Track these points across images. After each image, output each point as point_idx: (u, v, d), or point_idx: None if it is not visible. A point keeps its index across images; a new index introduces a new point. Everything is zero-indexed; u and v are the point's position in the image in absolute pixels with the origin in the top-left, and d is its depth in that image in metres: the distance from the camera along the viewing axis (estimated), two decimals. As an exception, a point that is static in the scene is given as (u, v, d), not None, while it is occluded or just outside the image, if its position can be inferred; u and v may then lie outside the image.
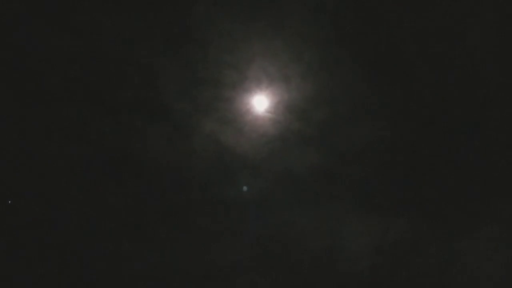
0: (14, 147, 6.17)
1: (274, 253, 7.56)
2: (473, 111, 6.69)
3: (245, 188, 7.01)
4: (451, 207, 7.53)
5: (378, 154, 6.97)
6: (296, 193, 7.15)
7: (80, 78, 5.80)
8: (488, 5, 5.91)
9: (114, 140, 6.31)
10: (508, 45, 6.18)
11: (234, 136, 6.47)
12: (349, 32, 5.91)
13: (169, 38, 5.63)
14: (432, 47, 6.15)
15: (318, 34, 5.88)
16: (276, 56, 5.96)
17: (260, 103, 6.28)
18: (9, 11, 5.23)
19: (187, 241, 7.27)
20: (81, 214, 6.79)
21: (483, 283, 8.05)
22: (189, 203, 7.03)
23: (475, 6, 5.87)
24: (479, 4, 5.86)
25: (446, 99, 6.58)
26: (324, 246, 7.64)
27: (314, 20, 5.82)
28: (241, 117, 6.34)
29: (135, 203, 6.89)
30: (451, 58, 6.24)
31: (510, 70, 6.39)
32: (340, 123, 6.54)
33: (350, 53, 6.03)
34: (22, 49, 5.49)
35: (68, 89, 5.84)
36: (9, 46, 5.44)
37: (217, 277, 7.54)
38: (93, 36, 5.49)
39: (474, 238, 7.71)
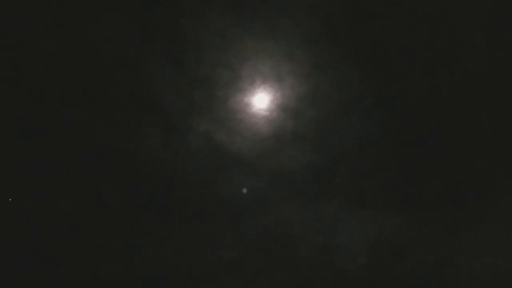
0: (9, 146, 6.26)
1: (269, 250, 7.61)
2: (470, 107, 6.72)
3: (244, 190, 7.07)
4: (447, 204, 7.56)
5: (372, 152, 7.02)
6: (290, 191, 7.20)
7: (73, 78, 5.87)
8: (484, 4, 5.94)
9: (108, 139, 6.39)
10: (505, 45, 6.21)
11: (228, 135, 6.54)
12: (341, 32, 5.96)
13: (162, 38, 5.69)
14: (426, 46, 6.19)
15: (310, 34, 5.93)
16: (269, 56, 6.02)
17: (254, 101, 6.34)
18: (5, 10, 5.31)
19: (181, 240, 7.33)
20: (76, 213, 6.87)
21: (481, 281, 8.06)
22: (183, 202, 7.09)
23: (471, 5, 5.90)
24: (475, 3, 5.89)
25: (441, 97, 6.62)
26: (319, 244, 7.68)
27: (307, 20, 5.87)
28: (235, 115, 6.41)
29: (129, 202, 6.96)
30: (444, 57, 6.28)
31: (507, 68, 6.42)
32: (333, 121, 6.59)
33: (343, 52, 6.08)
34: (16, 49, 5.57)
35: (61, 89, 5.92)
36: (4, 45, 5.53)
37: (213, 276, 7.60)
38: (85, 36, 5.57)
39: (472, 235, 7.73)
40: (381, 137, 6.83)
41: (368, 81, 6.32)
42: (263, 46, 5.95)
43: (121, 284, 7.58)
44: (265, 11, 5.73)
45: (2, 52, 5.59)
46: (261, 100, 6.34)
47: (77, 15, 5.41)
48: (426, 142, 7.00)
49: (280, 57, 6.02)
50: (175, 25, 5.66)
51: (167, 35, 5.72)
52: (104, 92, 6.04)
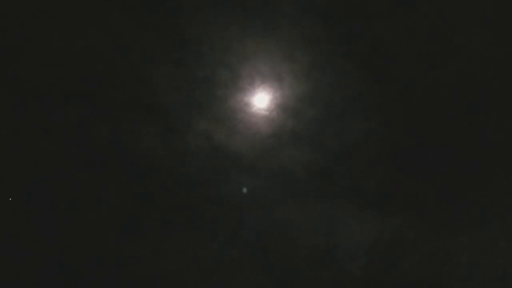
0: (9, 146, 6.27)
1: (269, 250, 7.61)
2: (470, 107, 6.72)
3: (244, 190, 7.08)
4: (448, 204, 7.55)
5: (372, 152, 7.02)
6: (290, 191, 7.20)
7: (73, 77, 5.89)
8: (484, 4, 5.94)
9: (107, 138, 6.40)
10: (505, 45, 6.21)
11: (227, 135, 6.55)
12: (340, 32, 5.97)
13: (162, 37, 5.70)
14: (424, 45, 6.19)
15: (310, 34, 5.94)
16: (268, 55, 6.03)
17: (253, 101, 6.35)
18: (5, 11, 5.33)
19: (181, 240, 7.34)
20: (75, 213, 6.88)
21: (481, 281, 8.05)
22: (183, 202, 7.10)
23: (471, 5, 5.90)
24: (475, 3, 5.89)
25: (441, 96, 6.62)
26: (319, 244, 7.69)
27: (307, 20, 5.88)
28: (235, 115, 6.41)
29: (128, 202, 6.97)
30: (443, 57, 6.28)
31: (507, 68, 6.42)
32: (333, 121, 6.60)
33: (342, 52, 6.08)
34: (15, 49, 5.59)
35: (60, 89, 5.94)
36: (4, 46, 5.55)
37: (212, 276, 7.60)
38: (85, 36, 5.58)
39: (472, 236, 7.72)
40: (381, 137, 6.83)
41: (368, 80, 6.33)
42: (262, 45, 5.95)
43: (121, 284, 7.59)
44: (265, 11, 5.73)
45: (3, 52, 5.61)
46: (260, 100, 6.35)
47: (76, 15, 5.43)
48: (426, 142, 7.00)
49: (280, 57, 6.03)
50: (174, 25, 5.67)
51: (166, 35, 5.73)
52: (104, 92, 6.05)
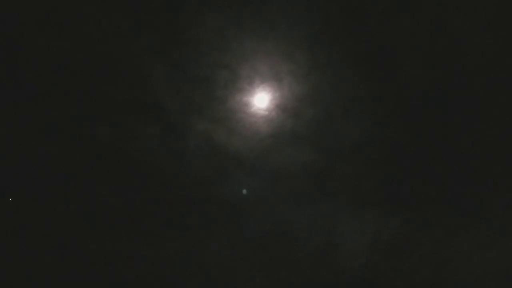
0: (8, 146, 6.29)
1: (268, 250, 7.62)
2: (469, 108, 6.70)
3: (244, 191, 7.10)
4: (446, 204, 7.55)
5: (372, 152, 7.01)
6: (290, 191, 7.21)
7: (72, 77, 5.89)
8: (484, 4, 5.93)
9: (106, 139, 6.41)
10: (501, 43, 6.20)
11: (227, 135, 6.56)
12: (340, 32, 5.96)
13: (161, 37, 5.70)
14: (424, 46, 6.18)
15: (309, 34, 5.93)
16: (268, 56, 6.02)
17: (253, 101, 6.35)
18: (5, 11, 5.34)
19: (181, 240, 7.36)
20: (75, 213, 6.90)
21: (480, 280, 8.05)
22: (182, 202, 7.11)
23: (470, 6, 5.89)
24: (475, 3, 5.88)
25: (439, 96, 6.61)
26: (319, 244, 7.69)
27: (306, 21, 5.87)
28: (234, 115, 6.42)
29: (128, 202, 6.99)
30: (443, 57, 6.27)
31: (506, 69, 6.41)
32: (332, 121, 6.59)
33: (341, 52, 6.07)
34: (15, 49, 5.60)
35: (59, 89, 5.95)
36: (4, 46, 5.57)
37: (212, 276, 7.62)
38: (84, 36, 5.59)
39: (470, 235, 7.72)
40: (380, 137, 6.83)
41: (368, 81, 6.32)
42: (262, 46, 5.95)
43: (121, 284, 7.61)
44: (264, 11, 5.73)
45: (3, 52, 5.62)
46: (260, 100, 6.35)
47: (76, 15, 5.44)
48: (425, 142, 6.99)
49: (279, 57, 6.02)
50: (174, 26, 5.67)
51: (166, 36, 5.74)
52: (104, 92, 6.06)
